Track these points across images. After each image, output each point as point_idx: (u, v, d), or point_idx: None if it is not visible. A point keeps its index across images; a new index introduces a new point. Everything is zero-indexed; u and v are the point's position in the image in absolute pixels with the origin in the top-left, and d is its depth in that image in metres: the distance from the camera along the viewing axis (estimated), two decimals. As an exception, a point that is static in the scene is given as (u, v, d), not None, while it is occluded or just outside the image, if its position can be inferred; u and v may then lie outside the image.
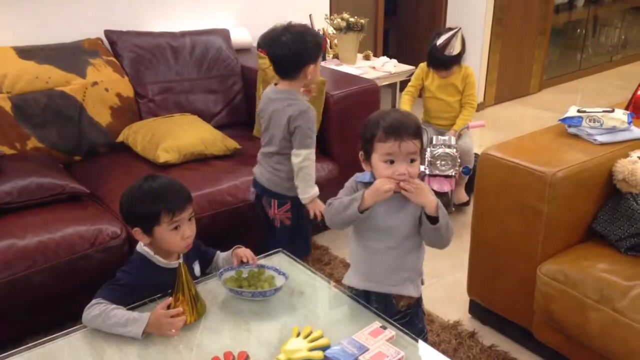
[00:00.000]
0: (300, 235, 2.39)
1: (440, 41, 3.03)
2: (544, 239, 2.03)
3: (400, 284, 1.69)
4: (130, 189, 1.71)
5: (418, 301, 1.77)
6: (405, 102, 3.20)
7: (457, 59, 3.09)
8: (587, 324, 1.90)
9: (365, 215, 1.59)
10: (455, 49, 3.03)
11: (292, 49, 2.12)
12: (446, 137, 2.99)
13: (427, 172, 2.95)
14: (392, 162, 1.56)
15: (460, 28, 3.07)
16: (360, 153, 1.64)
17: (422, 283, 1.77)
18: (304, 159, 2.17)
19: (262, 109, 2.28)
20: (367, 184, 1.62)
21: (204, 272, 1.86)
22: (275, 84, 2.26)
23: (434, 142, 2.98)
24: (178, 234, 1.67)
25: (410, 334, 1.56)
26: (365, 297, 1.72)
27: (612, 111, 2.20)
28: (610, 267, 1.95)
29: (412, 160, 1.57)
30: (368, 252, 1.69)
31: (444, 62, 3.08)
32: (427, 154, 2.95)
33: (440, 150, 2.92)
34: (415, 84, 3.24)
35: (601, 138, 2.16)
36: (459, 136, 3.11)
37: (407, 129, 1.54)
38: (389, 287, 1.69)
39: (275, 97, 2.22)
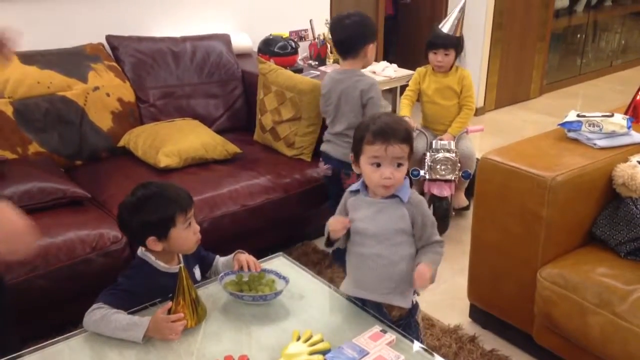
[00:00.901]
0: None
1: (442, 22, 3.06)
2: (544, 243, 2.03)
3: (388, 294, 1.67)
4: (131, 203, 1.68)
5: (411, 312, 1.73)
6: (404, 107, 3.20)
7: (456, 43, 3.05)
8: (587, 328, 1.90)
9: (335, 247, 1.70)
10: (455, 29, 3.02)
11: (354, 29, 2.50)
12: (446, 142, 2.99)
13: (427, 176, 2.95)
14: (378, 165, 1.57)
15: (464, 2, 3.04)
16: (351, 154, 1.66)
17: (417, 294, 1.75)
18: None
19: (330, 90, 2.52)
20: (354, 192, 1.68)
21: (204, 277, 1.86)
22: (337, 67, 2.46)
23: (434, 146, 2.97)
24: (190, 230, 1.69)
25: (410, 338, 1.56)
26: (362, 304, 1.71)
27: (612, 116, 2.21)
28: (610, 271, 1.96)
29: (399, 165, 1.58)
30: (358, 257, 1.69)
31: (443, 41, 3.03)
32: (427, 159, 2.94)
33: (440, 155, 2.92)
34: (413, 87, 3.23)
35: (601, 142, 2.16)
36: (457, 140, 3.10)
37: (394, 133, 1.56)
38: (377, 296, 1.68)
39: (342, 77, 2.53)
